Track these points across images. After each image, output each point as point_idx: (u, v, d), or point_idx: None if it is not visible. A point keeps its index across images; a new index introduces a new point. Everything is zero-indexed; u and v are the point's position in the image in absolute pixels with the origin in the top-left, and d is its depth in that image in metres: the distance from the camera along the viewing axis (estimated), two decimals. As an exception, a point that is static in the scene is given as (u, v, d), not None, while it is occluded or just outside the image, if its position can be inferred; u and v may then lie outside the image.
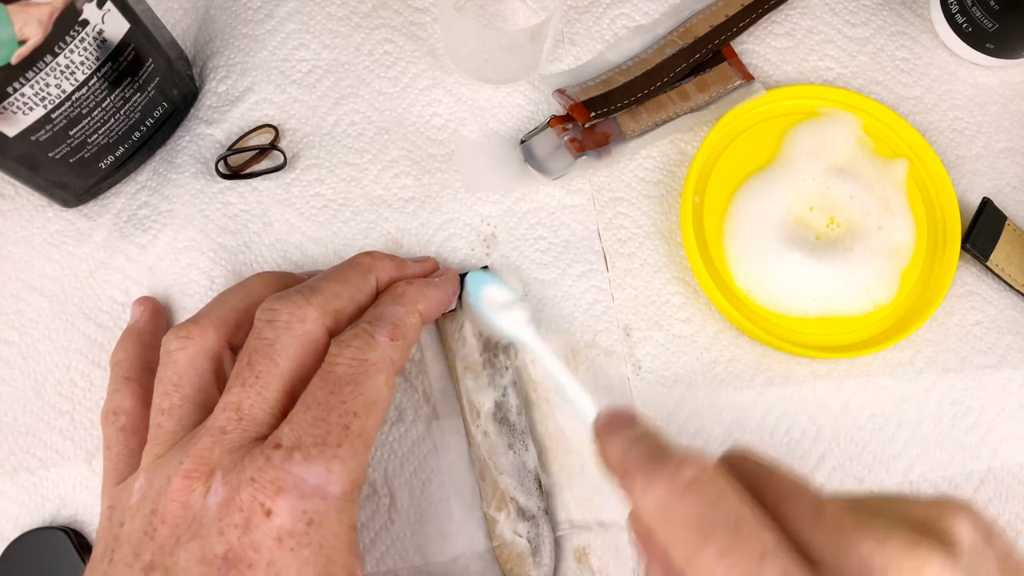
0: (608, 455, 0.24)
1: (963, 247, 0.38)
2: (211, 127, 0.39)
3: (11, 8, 0.28)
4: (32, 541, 0.34)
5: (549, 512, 0.34)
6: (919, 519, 0.20)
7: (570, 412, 0.35)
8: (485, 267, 0.37)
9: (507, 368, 0.35)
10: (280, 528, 0.25)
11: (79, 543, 0.34)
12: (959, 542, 0.20)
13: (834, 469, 0.36)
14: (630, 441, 0.24)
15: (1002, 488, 0.37)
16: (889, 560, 0.19)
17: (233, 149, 0.38)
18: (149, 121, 0.37)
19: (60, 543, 0.34)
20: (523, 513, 0.33)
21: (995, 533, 0.21)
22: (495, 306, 0.33)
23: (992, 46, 0.41)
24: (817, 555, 0.19)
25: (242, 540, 0.24)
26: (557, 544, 0.34)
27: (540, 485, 0.34)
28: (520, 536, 0.33)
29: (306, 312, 0.28)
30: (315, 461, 0.26)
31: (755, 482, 0.22)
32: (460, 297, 0.36)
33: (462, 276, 0.35)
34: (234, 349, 0.31)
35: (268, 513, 0.25)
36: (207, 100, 0.39)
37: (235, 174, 0.38)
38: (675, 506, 0.21)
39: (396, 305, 0.31)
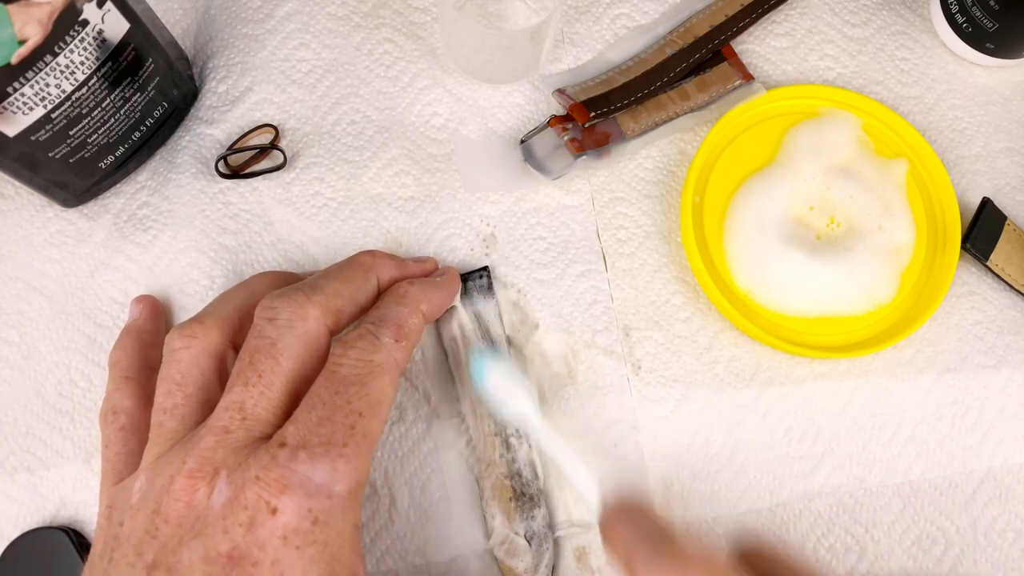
0: (613, 545, 0.24)
1: (963, 247, 0.38)
2: (211, 127, 0.39)
3: (11, 8, 0.28)
4: (32, 541, 0.34)
5: (548, 512, 0.34)
6: None
7: (577, 492, 0.35)
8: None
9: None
10: (285, 526, 0.25)
11: (79, 543, 0.34)
12: None
13: (834, 469, 0.36)
14: (635, 532, 0.23)
15: (1002, 488, 0.37)
16: None
17: (233, 149, 0.38)
18: (149, 121, 0.37)
19: (60, 543, 0.34)
20: (522, 513, 0.33)
21: None
22: (500, 390, 0.33)
23: (992, 46, 0.41)
24: None
25: (247, 538, 0.24)
26: (557, 544, 0.34)
27: (539, 485, 0.34)
28: (519, 536, 0.33)
29: (308, 311, 0.28)
30: (321, 460, 0.26)
31: None
32: (460, 294, 0.36)
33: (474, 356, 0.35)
34: (236, 348, 0.30)
35: (273, 511, 0.25)
36: (207, 100, 0.39)
37: (235, 174, 0.38)
38: None
39: (399, 306, 0.31)
